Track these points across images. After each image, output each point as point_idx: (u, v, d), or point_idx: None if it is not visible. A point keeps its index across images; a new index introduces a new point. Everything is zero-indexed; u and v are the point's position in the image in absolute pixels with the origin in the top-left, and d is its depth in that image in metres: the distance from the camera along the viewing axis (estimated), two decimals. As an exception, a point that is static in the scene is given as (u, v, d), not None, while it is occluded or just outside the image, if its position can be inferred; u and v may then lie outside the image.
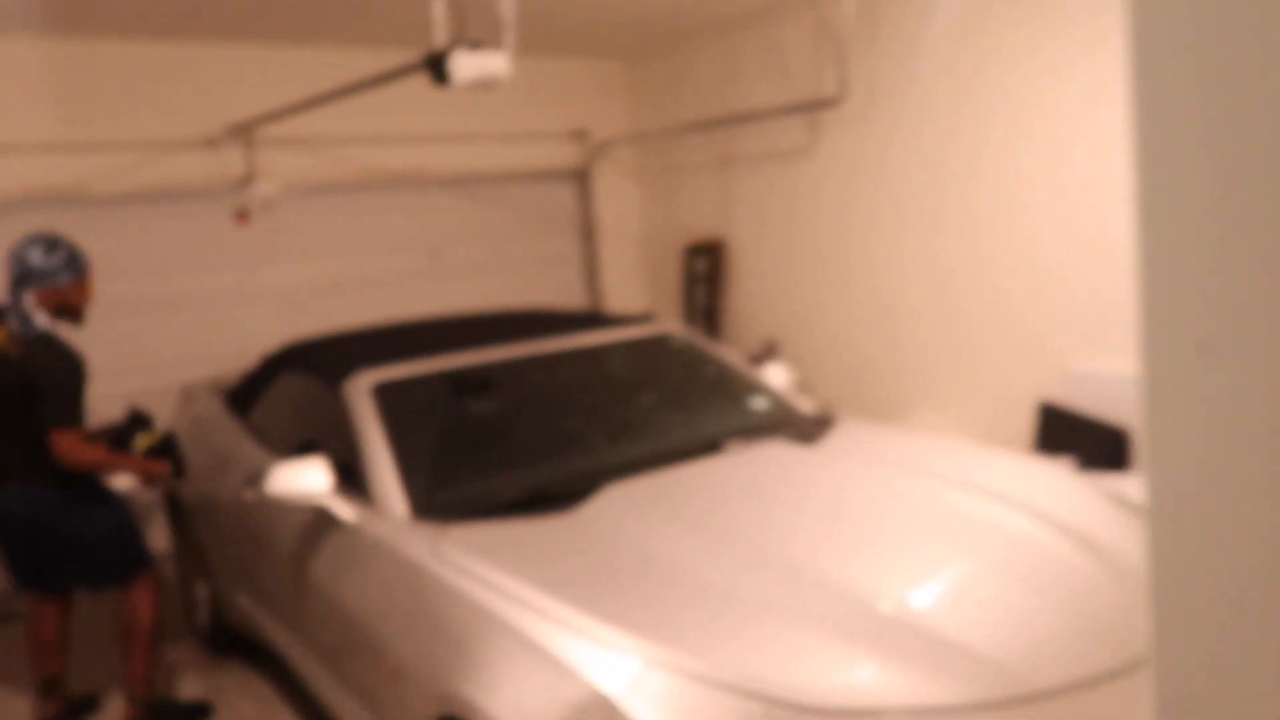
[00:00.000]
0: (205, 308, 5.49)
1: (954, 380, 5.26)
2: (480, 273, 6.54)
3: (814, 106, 5.50)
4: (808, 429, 3.22)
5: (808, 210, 5.94)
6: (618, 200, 7.15)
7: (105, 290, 5.05)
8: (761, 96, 5.96)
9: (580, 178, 7.04)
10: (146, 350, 5.27)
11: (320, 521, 2.92)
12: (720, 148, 6.47)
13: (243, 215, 5.54)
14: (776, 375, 3.71)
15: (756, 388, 3.57)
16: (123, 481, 3.57)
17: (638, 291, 7.32)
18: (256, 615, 3.56)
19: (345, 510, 2.80)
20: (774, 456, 2.93)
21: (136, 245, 5.25)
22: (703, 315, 6.71)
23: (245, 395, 3.99)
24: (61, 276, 3.30)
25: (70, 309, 3.38)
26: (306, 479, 2.80)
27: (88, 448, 3.31)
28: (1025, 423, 4.84)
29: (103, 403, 4.49)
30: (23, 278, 3.27)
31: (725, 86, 6.32)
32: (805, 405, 3.54)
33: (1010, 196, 4.73)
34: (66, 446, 3.24)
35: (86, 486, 3.42)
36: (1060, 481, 2.80)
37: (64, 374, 3.26)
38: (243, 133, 5.37)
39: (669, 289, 7.12)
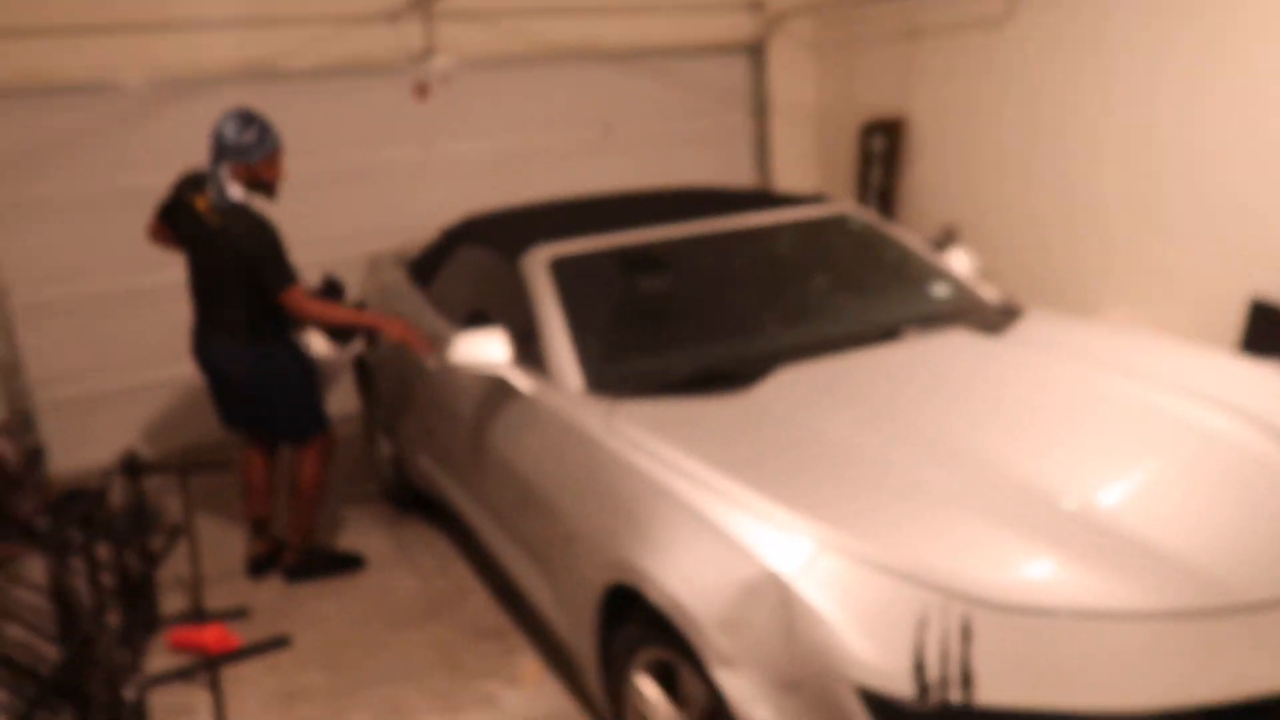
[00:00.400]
0: (387, 181, 5.68)
1: (1150, 273, 4.87)
2: (650, 148, 6.46)
3: (1015, -31, 5.05)
4: (993, 319, 3.06)
5: (998, 87, 5.52)
6: (792, 75, 6.86)
7: (296, 164, 5.28)
8: (956, -41, 5.51)
9: (754, 51, 6.77)
10: (334, 222, 5.52)
11: (498, 390, 3.03)
12: (905, 18, 6.06)
13: (422, 90, 5.64)
14: (959, 261, 3.52)
15: (938, 273, 3.40)
16: (318, 345, 3.81)
17: (809, 171, 7.07)
18: (435, 476, 3.77)
19: (522, 381, 2.90)
20: (957, 346, 2.80)
21: (323, 120, 5.44)
22: (877, 197, 6.43)
23: (426, 266, 4.13)
24: (254, 153, 3.50)
25: (262, 184, 3.59)
26: (488, 350, 2.89)
27: (316, 302, 3.58)
28: (1232, 322, 4.45)
29: (300, 267, 4.76)
30: (220, 151, 3.48)
31: (915, -51, 5.88)
32: (990, 294, 3.36)
33: (1246, 73, 4.23)
34: (296, 303, 3.52)
35: (280, 349, 3.68)
36: (1273, 383, 2.56)
37: (266, 240, 3.48)
38: (422, 5, 5.42)
39: (841, 170, 6.84)
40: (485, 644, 3.32)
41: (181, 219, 3.62)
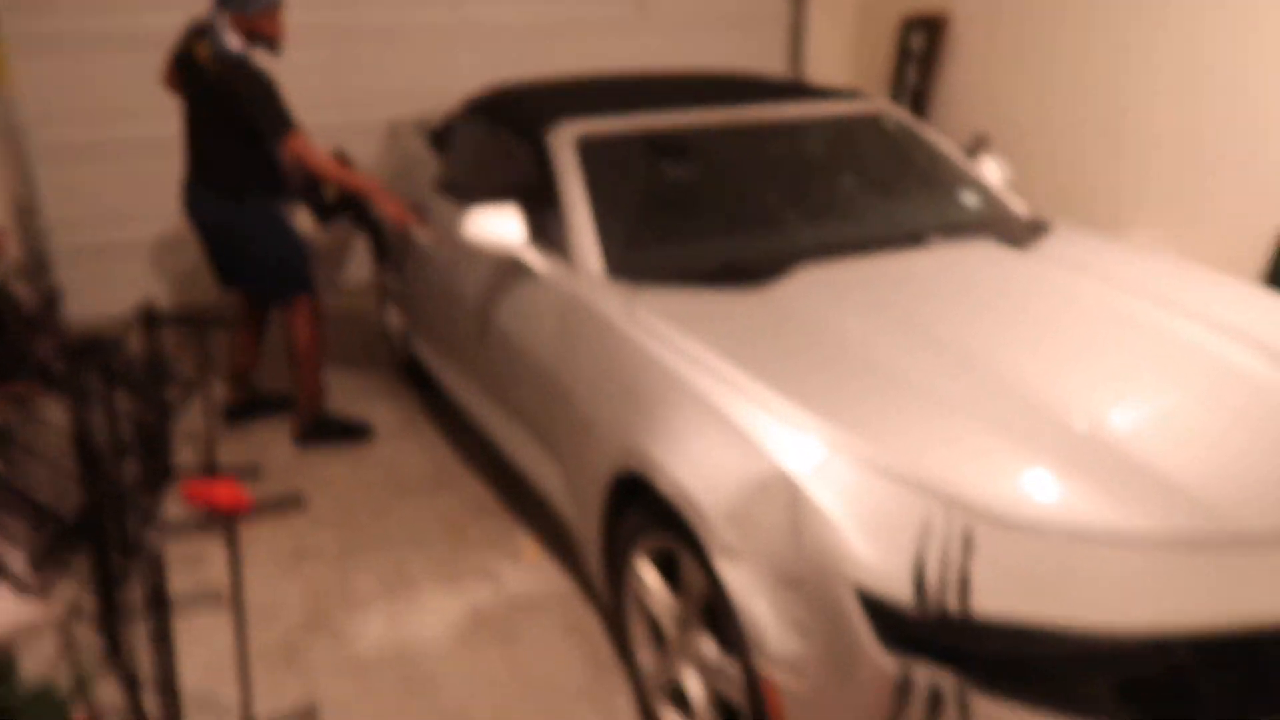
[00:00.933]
0: (410, 43, 5.52)
1: (1182, 198, 4.77)
2: (685, 28, 6.26)
3: None
4: (1021, 232, 3.02)
5: (1051, -15, 5.29)
6: (836, -41, 6.58)
7: (318, 18, 5.14)
8: None
9: (799, -68, 6.49)
10: (353, 84, 5.39)
11: (509, 271, 3.01)
12: (961, -94, 5.77)
13: (452, -52, 5.42)
14: (991, 171, 3.45)
15: (969, 182, 3.34)
16: (300, 224, 3.79)
17: (843, 66, 6.86)
18: (435, 358, 3.79)
19: (538, 262, 2.87)
20: (982, 256, 2.77)
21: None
22: (910, 98, 6.25)
23: (447, 137, 4.06)
24: (250, 4, 3.44)
25: (260, 37, 3.51)
26: (503, 227, 2.85)
27: (319, 153, 3.53)
28: (1259, 255, 4.39)
29: (317, 131, 4.66)
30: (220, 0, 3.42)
31: None
32: (1019, 206, 3.30)
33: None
34: (299, 148, 3.47)
35: (268, 208, 3.67)
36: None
37: (260, 89, 3.45)
38: None
39: (876, 67, 6.63)
40: (487, 519, 3.40)
41: (183, 67, 3.56)
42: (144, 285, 5.27)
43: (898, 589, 1.68)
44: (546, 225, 2.94)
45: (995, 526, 1.73)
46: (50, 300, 4.00)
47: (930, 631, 1.66)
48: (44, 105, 4.83)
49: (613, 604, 2.55)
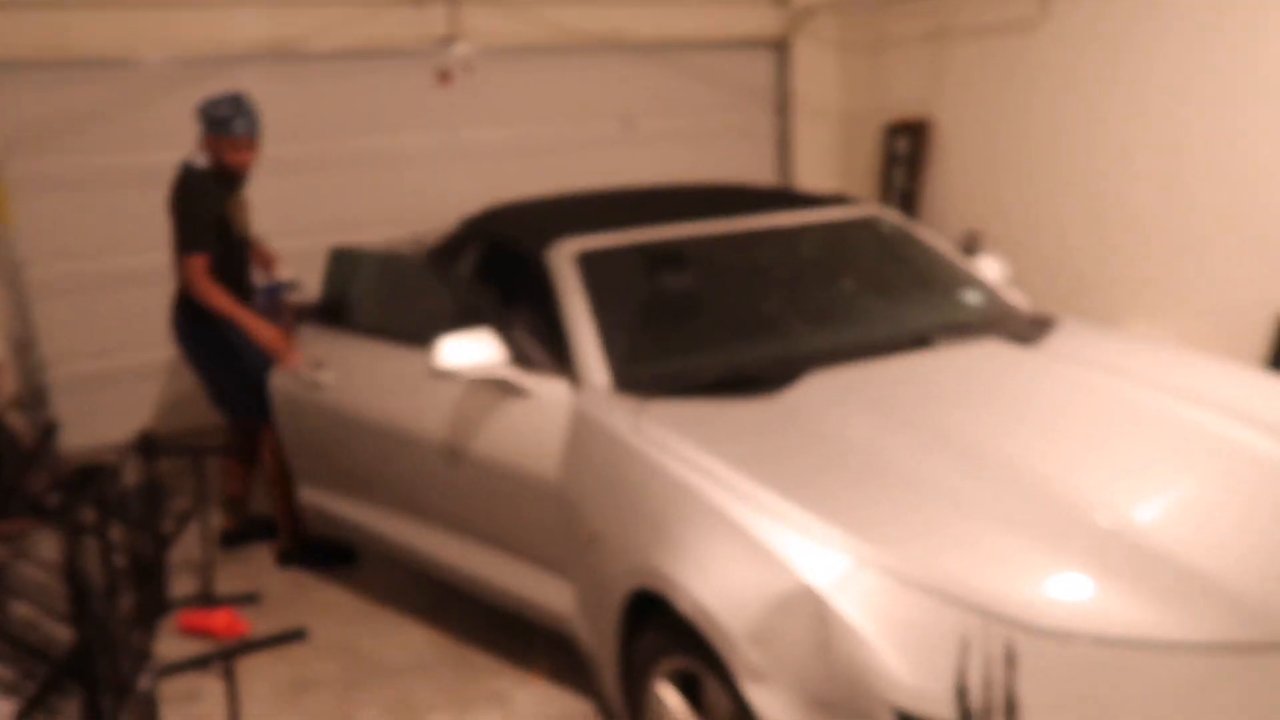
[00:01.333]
0: (407, 167, 5.64)
1: (1178, 287, 4.81)
2: (672, 143, 6.41)
3: (1052, -28, 4.98)
4: (1026, 329, 3.01)
5: (1027, 90, 5.45)
6: (817, 73, 6.79)
7: (317, 146, 5.26)
8: (990, -40, 5.44)
9: (779, 48, 6.72)
10: (351, 206, 5.48)
11: (489, 395, 2.83)
12: (933, 17, 5.99)
13: (445, 76, 5.59)
14: (990, 268, 3.47)
15: (969, 280, 3.35)
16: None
17: (831, 172, 7.01)
18: (372, 512, 3.39)
19: (532, 381, 2.77)
20: (990, 355, 2.75)
21: (345, 102, 5.40)
22: (899, 200, 6.37)
23: (445, 256, 4.08)
24: (219, 128, 3.57)
25: (222, 164, 3.63)
26: (481, 351, 2.70)
27: (206, 281, 3.55)
28: (1259, 338, 4.40)
29: (316, 253, 4.71)
30: (199, 119, 3.60)
31: (948, -52, 5.80)
32: (1021, 303, 3.31)
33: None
34: (189, 273, 3.55)
35: (213, 327, 3.67)
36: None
37: (186, 200, 3.57)
38: (447, -10, 5.37)
39: (864, 171, 6.78)
40: (493, 640, 3.28)
41: None
42: (141, 412, 5.23)
43: (940, 710, 1.59)
44: (544, 342, 2.90)
45: (1037, 638, 1.66)
46: (46, 433, 3.95)
47: (977, 755, 1.57)
48: (40, 241, 4.89)
49: (632, 730, 2.43)
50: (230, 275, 3.70)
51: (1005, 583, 1.77)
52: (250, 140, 3.64)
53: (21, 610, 3.54)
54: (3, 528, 3.94)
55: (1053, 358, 2.76)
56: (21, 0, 4.64)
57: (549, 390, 2.74)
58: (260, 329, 3.56)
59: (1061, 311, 3.52)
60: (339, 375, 3.34)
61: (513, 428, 2.78)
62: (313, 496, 3.62)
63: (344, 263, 3.70)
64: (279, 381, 3.55)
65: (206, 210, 3.58)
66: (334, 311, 3.63)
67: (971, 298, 3.29)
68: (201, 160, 3.62)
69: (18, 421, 4.25)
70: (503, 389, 2.81)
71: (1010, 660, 1.62)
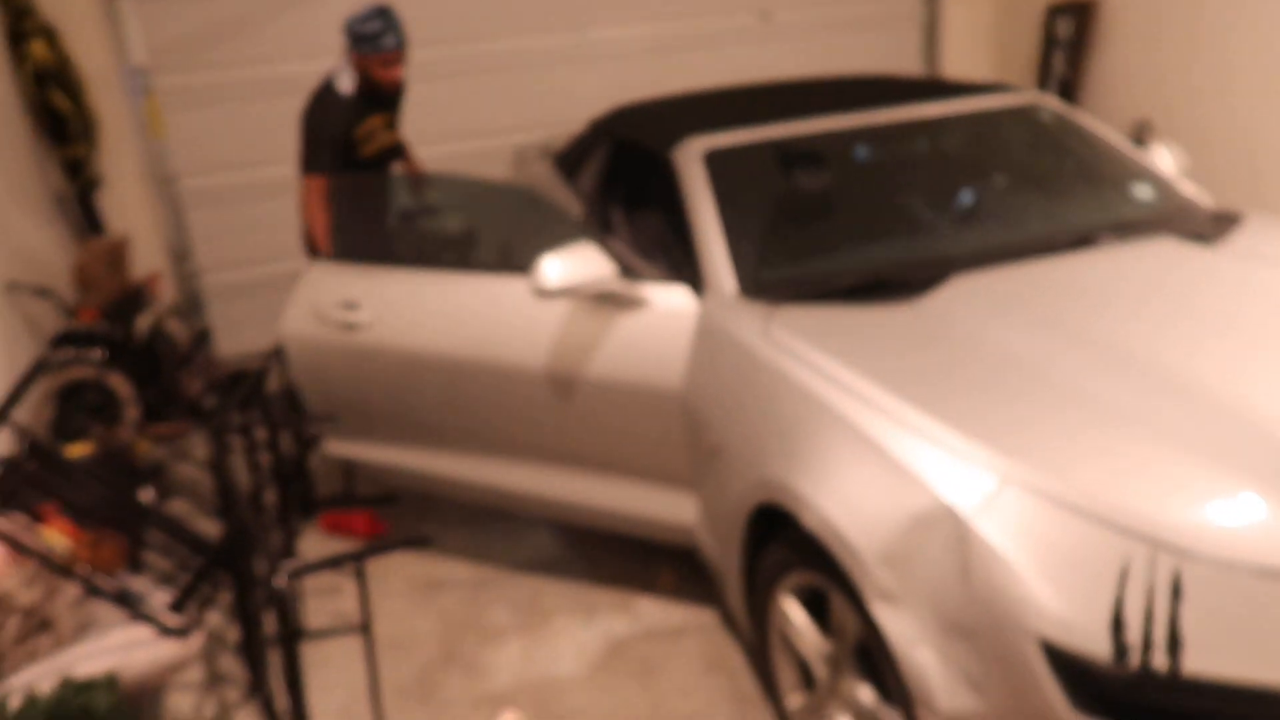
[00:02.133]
0: (535, 70, 5.51)
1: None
2: (812, 35, 6.05)
3: None
4: (1206, 226, 2.69)
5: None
6: (970, -49, 6.25)
7: (443, 51, 5.20)
8: None
9: (929, -75, 6.20)
10: (480, 113, 5.42)
11: (601, 311, 2.67)
12: (1108, -118, 5.37)
13: (573, -29, 5.40)
14: (1164, 159, 3.12)
15: (1141, 174, 3.02)
16: None
17: (982, 60, 6.50)
18: (463, 461, 3.13)
19: (647, 291, 2.62)
20: (1164, 255, 2.47)
21: (472, 5, 5.29)
22: (1059, 89, 5.85)
23: (573, 159, 3.99)
24: (365, 45, 3.49)
25: (370, 81, 3.56)
26: (590, 266, 2.53)
27: (318, 206, 3.53)
28: None
29: (448, 162, 4.70)
30: (345, 36, 3.54)
31: None
32: (1201, 197, 2.96)
33: None
34: (305, 193, 3.57)
35: None
36: None
37: (311, 121, 3.56)
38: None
39: (1019, 58, 6.25)
40: (621, 547, 3.27)
41: None
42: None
43: (1093, 643, 1.45)
44: (667, 247, 2.77)
45: (1209, 568, 1.48)
46: (201, 339, 4.13)
47: (1133, 693, 1.42)
48: (192, 154, 5.04)
49: (756, 641, 2.37)
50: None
51: (1172, 507, 1.58)
52: (400, 54, 3.56)
53: (178, 507, 3.76)
54: (162, 429, 4.19)
55: (1235, 258, 2.45)
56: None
57: (670, 299, 2.62)
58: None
59: (1245, 207, 3.15)
60: (381, 313, 3.04)
61: (629, 342, 2.62)
62: (350, 449, 3.36)
63: (362, 193, 3.60)
64: (296, 325, 3.24)
65: (329, 132, 3.56)
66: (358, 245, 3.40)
67: (1143, 192, 2.97)
68: (347, 81, 3.56)
69: (175, 328, 4.47)
70: (616, 303, 2.64)
71: (1176, 591, 1.45)
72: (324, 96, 3.61)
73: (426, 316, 2.96)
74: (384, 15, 3.48)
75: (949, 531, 1.64)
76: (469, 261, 3.02)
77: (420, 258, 3.13)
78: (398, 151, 3.91)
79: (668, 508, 2.72)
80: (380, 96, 3.65)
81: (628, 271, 2.64)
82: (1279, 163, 4.71)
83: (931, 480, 1.71)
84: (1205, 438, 1.73)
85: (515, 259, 2.93)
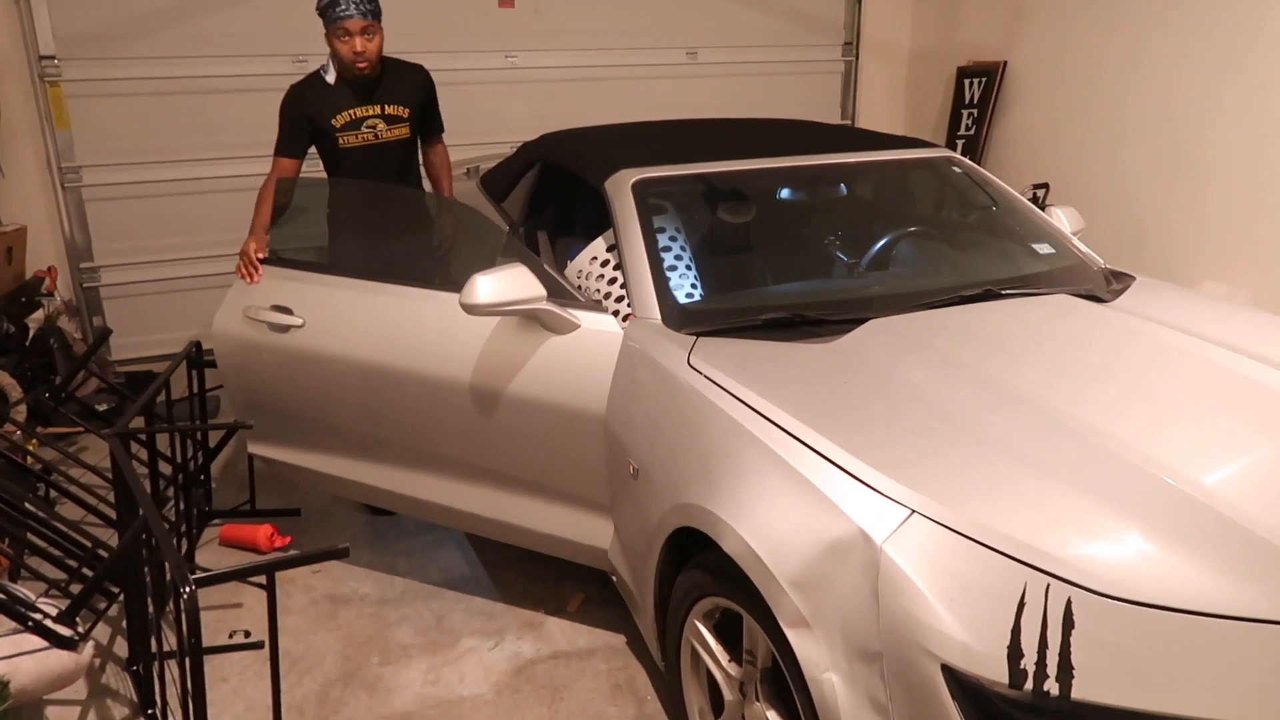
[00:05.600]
0: (466, 91, 5.54)
1: (1249, 248, 4.60)
2: (735, 77, 6.24)
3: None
4: (1099, 284, 2.88)
5: (1111, 33, 5.19)
6: (889, 11, 6.55)
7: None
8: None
9: (852, -18, 6.47)
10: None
11: (524, 333, 2.70)
12: (1018, -44, 5.71)
13: (506, -4, 5.46)
14: (1064, 220, 3.32)
15: (1042, 232, 3.20)
16: None
17: (896, 114, 6.80)
18: (374, 467, 3.10)
19: (575, 314, 2.65)
20: (1061, 310, 2.63)
21: (405, 21, 5.28)
22: (964, 147, 6.16)
23: (500, 181, 4.01)
24: (324, 20, 3.39)
25: (339, 60, 3.46)
26: (521, 287, 2.53)
27: (265, 187, 3.43)
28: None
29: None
30: None
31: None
32: (1095, 258, 3.16)
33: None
34: (271, 173, 3.47)
35: None
36: None
37: (284, 100, 3.50)
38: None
39: (930, 115, 6.55)
40: (529, 569, 3.28)
41: None
42: (189, 325, 5.27)
43: (991, 668, 1.53)
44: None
45: (1098, 600, 1.58)
46: (99, 339, 3.98)
47: (1028, 718, 1.50)
48: (96, 146, 4.88)
49: (667, 666, 2.41)
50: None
51: (1067, 542, 1.69)
52: (358, 25, 3.30)
53: (69, 511, 3.60)
54: (53, 430, 4.01)
55: (1126, 316, 2.63)
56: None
57: (595, 323, 2.67)
58: (248, 240, 3.24)
59: (1127, 269, 3.39)
60: (316, 318, 3.02)
61: (554, 364, 2.65)
62: (273, 451, 3.28)
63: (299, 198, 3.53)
64: (227, 324, 3.18)
65: (297, 113, 3.45)
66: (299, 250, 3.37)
67: (1044, 250, 3.15)
68: (332, 69, 3.48)
69: (69, 326, 4.30)
70: (542, 324, 2.67)
71: (1068, 621, 1.54)
72: (304, 81, 3.51)
73: (358, 324, 2.95)
74: None
75: (861, 558, 1.71)
76: (403, 273, 3.00)
77: (355, 267, 3.10)
78: (398, 151, 3.68)
79: (582, 530, 2.74)
80: (361, 83, 3.47)
81: (555, 294, 2.67)
82: (1162, 229, 5.04)
83: (846, 508, 1.78)
84: (1096, 478, 1.85)
85: (447, 274, 2.93)
